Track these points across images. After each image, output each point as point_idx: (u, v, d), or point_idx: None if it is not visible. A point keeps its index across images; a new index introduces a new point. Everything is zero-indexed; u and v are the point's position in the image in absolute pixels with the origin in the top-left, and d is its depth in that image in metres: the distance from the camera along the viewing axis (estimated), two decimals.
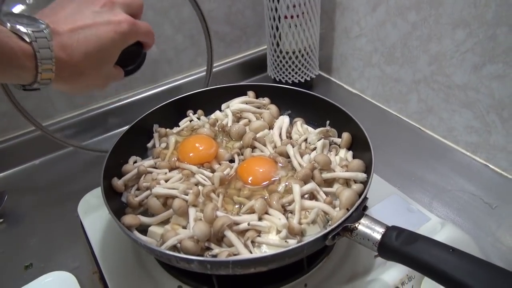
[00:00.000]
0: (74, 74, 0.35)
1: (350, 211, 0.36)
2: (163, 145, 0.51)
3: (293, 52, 0.70)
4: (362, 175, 0.43)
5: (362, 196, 0.38)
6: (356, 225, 0.36)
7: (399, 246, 0.33)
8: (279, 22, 0.68)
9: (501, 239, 0.49)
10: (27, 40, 0.31)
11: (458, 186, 0.55)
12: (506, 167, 0.56)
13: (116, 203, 0.45)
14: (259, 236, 0.39)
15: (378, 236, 0.35)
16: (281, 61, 0.72)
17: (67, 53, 0.33)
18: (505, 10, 0.47)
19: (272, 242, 0.38)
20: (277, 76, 0.75)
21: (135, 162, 0.50)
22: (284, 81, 0.74)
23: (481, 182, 0.56)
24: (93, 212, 0.52)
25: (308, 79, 0.74)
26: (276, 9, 0.66)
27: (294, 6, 0.65)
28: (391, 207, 0.50)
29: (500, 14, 0.48)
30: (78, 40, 0.34)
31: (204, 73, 0.77)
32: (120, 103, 0.71)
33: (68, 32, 0.33)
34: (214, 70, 0.78)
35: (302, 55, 0.71)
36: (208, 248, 0.38)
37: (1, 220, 0.56)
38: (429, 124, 0.64)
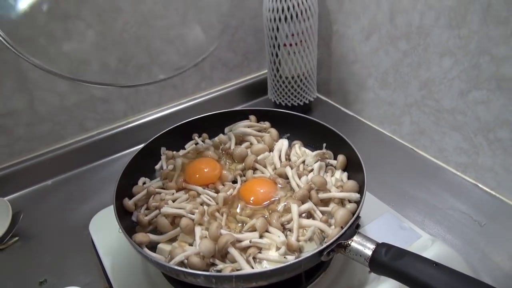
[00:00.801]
0: None
1: (344, 229, 0.39)
2: (170, 167, 0.55)
3: (292, 77, 0.74)
4: (355, 195, 0.47)
5: (355, 215, 0.42)
6: (349, 242, 0.39)
7: (388, 261, 0.36)
8: (279, 49, 0.72)
9: (489, 255, 0.51)
10: None
11: (449, 205, 0.58)
12: (494, 187, 0.59)
13: (127, 222, 0.48)
14: (260, 252, 0.42)
15: (369, 252, 0.38)
16: (280, 85, 0.76)
17: None
18: (486, 42, 0.51)
19: (272, 258, 0.41)
20: (277, 99, 0.78)
21: (144, 183, 0.53)
22: (284, 104, 0.78)
23: (471, 200, 0.59)
24: (103, 230, 0.55)
25: (307, 102, 0.78)
26: (276, 38, 0.71)
27: (292, 35, 0.69)
28: (384, 224, 0.53)
29: (482, 44, 0.52)
30: None
31: (208, 96, 0.82)
32: (128, 126, 0.75)
33: None
34: (217, 93, 0.83)
35: (301, 80, 0.75)
36: (213, 264, 0.42)
37: (16, 239, 0.59)
38: (422, 145, 0.67)
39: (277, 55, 0.73)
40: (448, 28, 0.55)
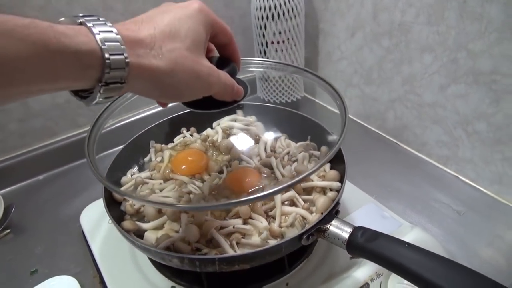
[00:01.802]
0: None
1: (323, 215, 0.41)
2: (159, 158, 0.56)
3: (279, 77, 0.76)
4: (336, 184, 0.48)
5: (335, 201, 0.43)
6: (328, 226, 0.41)
7: (363, 243, 0.38)
8: (267, 47, 0.74)
9: (467, 242, 0.53)
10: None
11: (430, 196, 0.60)
12: (473, 178, 0.61)
13: (117, 212, 0.49)
14: (243, 238, 0.44)
15: (346, 235, 0.39)
16: (269, 84, 0.78)
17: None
18: (463, 37, 0.53)
19: (254, 243, 0.43)
20: (266, 97, 0.80)
21: (132, 174, 0.55)
22: (272, 102, 0.80)
23: (451, 191, 0.60)
24: (93, 222, 0.57)
25: (295, 100, 0.80)
26: (263, 35, 0.73)
27: (280, 32, 0.71)
28: (367, 214, 0.55)
29: (459, 40, 0.54)
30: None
31: None
32: (121, 123, 0.76)
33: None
34: None
35: (288, 79, 0.77)
36: (198, 249, 0.43)
37: (8, 231, 0.60)
38: (405, 139, 0.69)
39: (265, 53, 0.75)
40: (428, 25, 0.57)
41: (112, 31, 0.28)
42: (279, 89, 0.78)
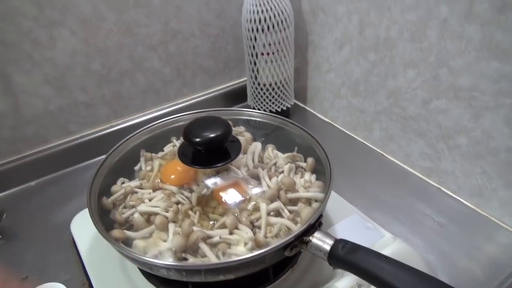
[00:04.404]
0: None
1: (305, 226, 0.42)
2: (148, 167, 0.57)
3: (270, 85, 0.78)
4: (320, 195, 0.50)
5: (317, 213, 0.45)
6: (311, 238, 0.42)
7: (344, 255, 0.39)
8: (257, 58, 0.75)
9: (446, 253, 0.55)
10: None
11: (413, 207, 0.62)
12: (455, 190, 0.63)
13: (106, 220, 0.50)
14: (229, 248, 0.45)
15: (328, 247, 0.41)
16: (259, 92, 0.80)
17: None
18: (444, 54, 0.55)
19: (239, 253, 0.44)
20: (256, 106, 0.82)
21: (123, 183, 0.56)
22: (262, 110, 0.81)
23: (434, 203, 0.62)
24: (84, 229, 0.58)
25: (285, 108, 0.82)
26: (254, 47, 0.74)
27: (269, 44, 0.73)
28: (351, 225, 0.57)
29: (440, 57, 0.56)
30: None
31: (190, 102, 0.85)
32: (111, 129, 0.77)
33: None
34: (199, 99, 0.86)
35: (278, 87, 0.78)
36: (185, 259, 0.44)
37: None
38: (390, 150, 0.71)
39: (255, 64, 0.76)
40: (411, 42, 0.59)
41: None
42: (269, 98, 0.80)
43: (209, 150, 0.50)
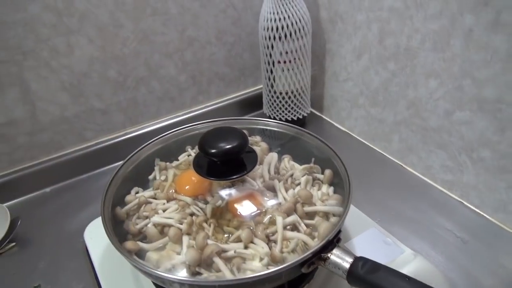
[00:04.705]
0: None
1: (323, 242, 0.41)
2: (163, 177, 0.57)
3: (286, 93, 0.77)
4: (338, 209, 0.48)
5: (336, 229, 0.43)
6: (329, 255, 0.41)
7: (364, 274, 0.38)
8: (273, 66, 0.74)
9: (470, 271, 0.53)
10: None
11: (434, 221, 0.60)
12: (478, 204, 0.60)
13: (120, 230, 0.50)
14: (244, 263, 0.44)
15: (347, 265, 0.39)
16: (275, 101, 0.78)
17: None
18: (468, 65, 0.53)
19: (255, 268, 0.43)
20: (272, 114, 0.81)
21: (137, 192, 0.55)
22: (278, 119, 0.80)
23: (455, 218, 0.60)
24: (97, 238, 0.57)
25: (301, 117, 0.81)
26: (270, 55, 0.73)
27: (286, 52, 0.72)
28: (369, 239, 0.55)
29: (464, 68, 0.54)
30: None
31: (205, 109, 0.84)
32: (126, 136, 0.77)
33: None
34: (214, 107, 0.85)
35: (295, 96, 0.77)
36: (199, 273, 0.43)
37: (13, 244, 0.61)
38: (410, 162, 0.69)
39: (271, 72, 0.75)
40: (433, 51, 0.57)
41: None
42: (285, 106, 0.78)
43: (225, 161, 0.49)
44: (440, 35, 0.55)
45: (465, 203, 0.62)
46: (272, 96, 0.78)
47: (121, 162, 0.56)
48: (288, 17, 0.68)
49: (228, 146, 0.47)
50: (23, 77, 0.64)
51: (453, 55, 0.55)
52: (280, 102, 0.78)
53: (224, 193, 0.52)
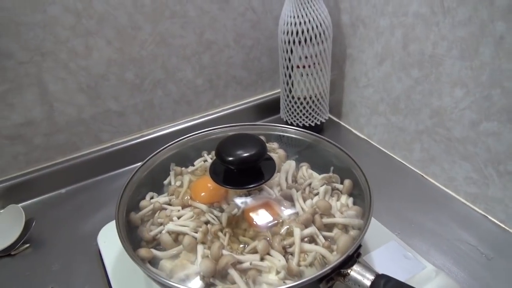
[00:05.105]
0: None
1: (343, 258, 0.39)
2: (178, 183, 0.56)
3: (304, 98, 0.75)
4: (359, 222, 0.47)
5: (356, 244, 0.41)
6: (349, 271, 0.39)
7: None
8: (292, 71, 0.73)
9: None
10: None
11: (456, 236, 0.58)
12: (503, 219, 0.58)
13: (134, 236, 0.49)
14: (260, 275, 0.42)
15: (368, 283, 0.38)
16: (292, 106, 0.77)
17: None
18: (498, 74, 0.51)
19: (271, 282, 0.41)
20: (289, 119, 0.79)
21: (152, 197, 0.54)
22: (295, 124, 0.79)
23: (479, 232, 0.58)
24: (110, 242, 0.57)
25: (319, 123, 0.79)
26: (289, 59, 0.72)
27: (306, 57, 0.70)
28: (389, 253, 0.53)
29: (493, 77, 0.52)
30: None
31: (221, 113, 0.84)
32: (142, 139, 0.77)
33: None
34: (230, 111, 0.84)
35: (313, 101, 0.76)
36: (213, 284, 0.42)
37: (27, 245, 0.61)
38: (431, 172, 0.67)
39: (290, 76, 0.74)
40: (460, 59, 0.55)
41: None
42: (303, 112, 0.77)
43: (242, 169, 0.48)
44: (468, 43, 0.53)
45: (489, 217, 0.59)
46: (290, 101, 0.77)
47: (136, 166, 0.55)
48: (309, 21, 0.67)
49: (245, 154, 0.46)
50: (42, 78, 0.64)
51: (482, 63, 0.52)
52: (298, 107, 0.77)
53: (240, 201, 0.51)
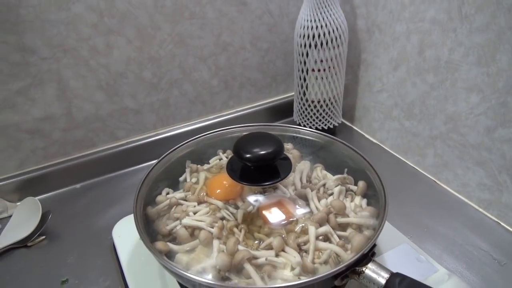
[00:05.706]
0: None
1: (359, 255, 0.40)
2: (194, 179, 0.57)
3: (318, 102, 0.76)
4: (373, 222, 0.47)
5: (371, 242, 0.42)
6: (364, 269, 0.40)
7: None
8: (307, 74, 0.74)
9: None
10: None
11: (469, 241, 0.58)
12: None
13: (150, 229, 0.50)
14: (275, 271, 0.43)
15: (382, 281, 0.38)
16: (306, 109, 0.78)
17: None
18: None
19: (286, 278, 0.42)
20: (302, 122, 0.80)
21: (168, 193, 0.55)
22: (308, 127, 0.79)
23: (492, 238, 0.58)
24: (125, 237, 0.58)
25: (331, 126, 0.79)
26: (305, 63, 0.73)
27: (321, 61, 0.71)
28: (401, 255, 0.53)
29: (510, 83, 0.52)
30: None
31: (235, 114, 0.84)
32: (157, 137, 0.78)
33: None
34: (244, 112, 0.85)
35: (327, 105, 0.76)
36: (228, 278, 0.43)
37: (43, 237, 0.62)
38: (444, 178, 0.67)
39: (304, 79, 0.75)
40: (477, 65, 0.55)
41: None
42: (316, 115, 0.78)
43: (259, 167, 0.49)
44: (485, 49, 0.54)
45: (502, 223, 0.59)
46: (304, 104, 0.78)
47: (150, 163, 0.56)
48: (326, 25, 0.68)
49: (263, 152, 0.47)
50: (62, 75, 0.66)
51: (499, 70, 0.53)
52: (312, 110, 0.77)
53: (255, 199, 0.52)
